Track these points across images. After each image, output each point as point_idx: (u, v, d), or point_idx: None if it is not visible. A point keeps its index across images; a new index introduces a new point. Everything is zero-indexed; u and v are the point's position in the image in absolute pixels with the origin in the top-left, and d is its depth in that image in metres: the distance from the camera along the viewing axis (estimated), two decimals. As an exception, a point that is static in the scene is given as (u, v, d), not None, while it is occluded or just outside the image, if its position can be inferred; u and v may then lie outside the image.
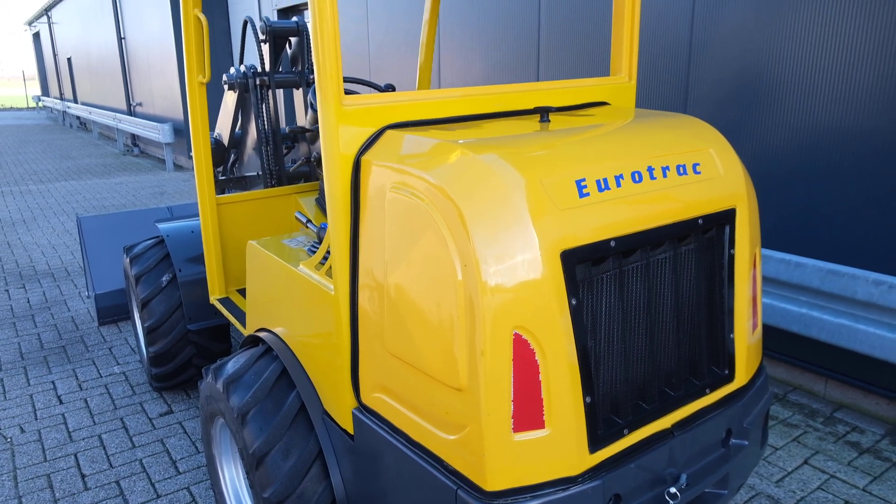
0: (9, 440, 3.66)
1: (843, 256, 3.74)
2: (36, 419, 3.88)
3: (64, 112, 25.23)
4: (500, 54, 6.03)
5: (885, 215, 3.52)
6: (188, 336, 3.79)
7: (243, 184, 4.41)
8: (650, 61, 4.61)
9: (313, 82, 4.02)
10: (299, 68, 4.18)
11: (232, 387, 2.38)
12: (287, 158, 4.31)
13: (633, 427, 1.87)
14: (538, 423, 1.66)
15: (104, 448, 3.57)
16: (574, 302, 1.68)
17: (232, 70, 4.03)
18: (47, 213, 9.47)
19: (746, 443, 2.17)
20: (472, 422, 1.65)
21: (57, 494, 3.19)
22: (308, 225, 2.72)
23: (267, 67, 4.04)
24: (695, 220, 1.97)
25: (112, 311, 5.21)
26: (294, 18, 4.09)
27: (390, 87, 3.83)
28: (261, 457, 2.21)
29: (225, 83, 4.07)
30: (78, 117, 23.75)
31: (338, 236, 2.01)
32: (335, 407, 2.18)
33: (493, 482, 1.66)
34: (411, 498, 1.92)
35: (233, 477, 2.76)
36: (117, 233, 5.33)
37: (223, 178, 4.41)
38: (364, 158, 1.96)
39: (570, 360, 1.68)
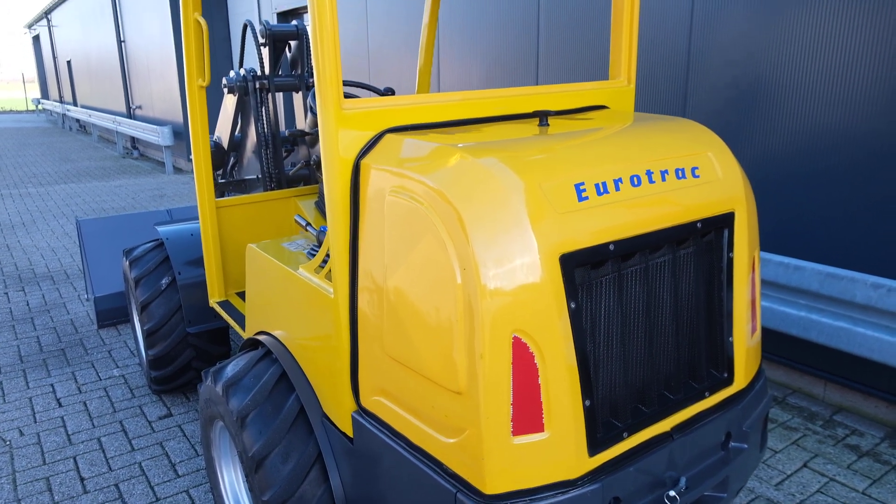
0: (8, 443, 3.66)
1: (841, 259, 3.74)
2: (35, 422, 3.88)
3: (63, 115, 25.24)
4: (499, 58, 6.04)
5: (883, 218, 3.52)
6: (187, 339, 3.79)
7: (243, 187, 4.42)
8: (649, 65, 4.62)
9: (313, 86, 4.03)
10: (299, 72, 4.18)
11: (231, 390, 2.38)
12: (287, 162, 4.31)
13: (633, 430, 1.87)
14: (537, 427, 1.66)
15: (103, 451, 3.56)
16: (573, 305, 1.68)
17: (232, 73, 4.04)
18: (47, 215, 9.47)
19: (746, 446, 2.17)
20: (472, 425, 1.66)
21: (56, 497, 3.18)
22: (307, 228, 2.72)
23: (266, 71, 4.04)
24: (693, 223, 1.98)
25: (111, 313, 5.21)
26: (294, 22, 4.10)
27: (390, 91, 3.84)
28: (260, 460, 2.21)
29: (225, 86, 4.07)
30: (77, 120, 23.76)
31: (337, 240, 2.01)
32: (334, 410, 2.18)
33: (493, 485, 1.67)
34: (411, 501, 1.92)
35: (232, 480, 2.76)
36: (117, 236, 5.33)
37: (223, 181, 4.42)
38: (363, 162, 1.96)
39: (569, 364, 1.68)
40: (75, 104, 25.47)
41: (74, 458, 3.50)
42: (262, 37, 3.96)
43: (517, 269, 1.61)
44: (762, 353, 4.17)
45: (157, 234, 4.96)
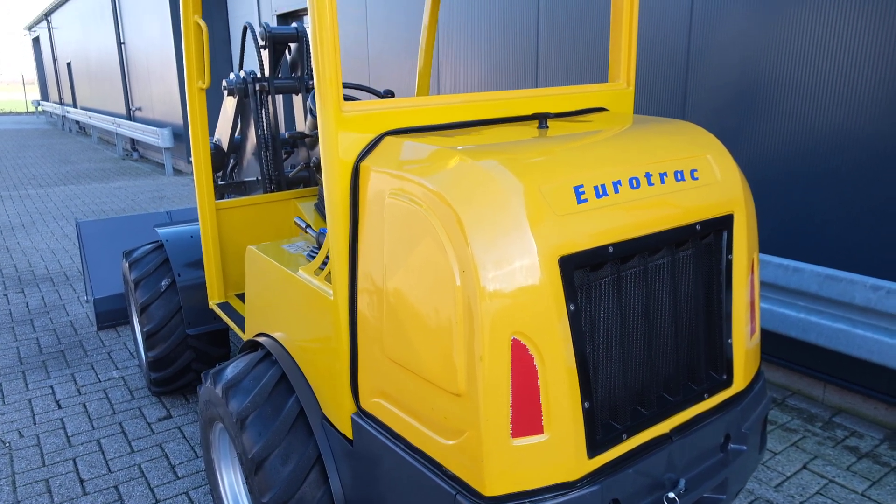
0: (7, 445, 3.66)
1: (843, 262, 3.74)
2: (34, 424, 3.88)
3: (63, 117, 25.25)
4: (498, 60, 6.05)
5: (882, 220, 3.53)
6: (187, 341, 3.80)
7: (243, 189, 4.42)
8: (648, 68, 4.63)
9: (313, 88, 4.04)
10: (299, 74, 4.19)
11: (231, 391, 2.38)
12: (286, 164, 4.31)
13: (632, 432, 1.87)
14: (537, 429, 1.67)
15: (103, 453, 3.56)
16: (572, 307, 1.69)
17: (232, 76, 4.04)
18: (46, 217, 9.47)
19: (745, 447, 2.17)
20: (471, 427, 1.66)
21: (56, 499, 3.18)
22: (307, 230, 2.72)
23: (266, 73, 4.05)
24: (692, 225, 1.98)
25: (111, 315, 5.21)
26: (293, 24, 4.11)
27: (389, 93, 3.84)
28: (260, 461, 2.22)
29: (224, 89, 4.08)
30: (77, 122, 23.77)
31: (337, 242, 2.02)
32: (334, 412, 2.18)
33: (492, 487, 1.67)
34: (410, 502, 1.92)
35: (232, 482, 2.76)
36: (116, 237, 5.33)
37: (222, 183, 4.42)
38: (363, 164, 1.97)
39: (568, 366, 1.68)
40: (75, 106, 25.48)
41: (74, 460, 3.50)
42: (262, 39, 3.96)
43: (516, 271, 1.61)
44: (761, 355, 4.17)
45: (157, 235, 4.97)
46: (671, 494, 1.93)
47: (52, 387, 4.32)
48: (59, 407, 4.06)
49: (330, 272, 2.11)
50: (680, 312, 2.03)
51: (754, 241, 2.23)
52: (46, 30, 28.62)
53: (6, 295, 6.12)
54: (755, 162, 4.06)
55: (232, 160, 4.55)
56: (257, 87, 3.92)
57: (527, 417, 1.65)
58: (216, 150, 4.36)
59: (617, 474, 1.79)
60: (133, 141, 17.27)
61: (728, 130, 4.18)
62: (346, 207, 2.00)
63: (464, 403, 1.67)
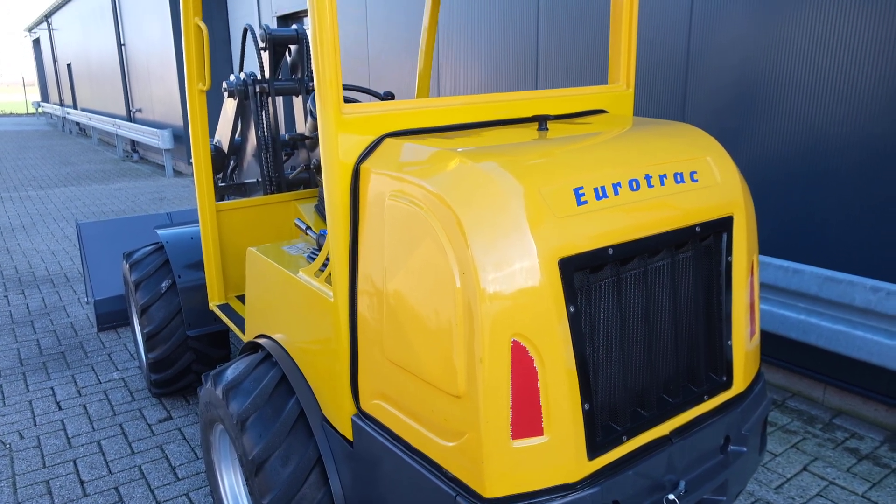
0: (8, 446, 3.66)
1: (843, 263, 3.75)
2: (35, 425, 3.88)
3: (63, 118, 25.26)
4: (498, 62, 6.05)
5: (882, 220, 3.53)
6: (187, 342, 3.80)
7: (243, 190, 4.42)
8: (648, 70, 4.63)
9: (313, 89, 4.04)
10: (299, 76, 4.19)
11: (231, 393, 2.38)
12: (286, 165, 4.32)
13: (632, 434, 1.87)
14: (537, 430, 1.67)
15: (103, 454, 3.57)
16: (572, 309, 1.69)
17: (232, 77, 4.05)
18: (46, 218, 9.47)
19: (745, 449, 2.17)
20: (471, 429, 1.66)
21: (56, 501, 3.18)
22: (307, 232, 2.73)
23: (267, 75, 4.05)
24: (692, 227, 1.98)
25: (111, 317, 5.21)
26: (294, 26, 4.11)
27: (389, 95, 3.85)
28: (260, 463, 2.22)
29: (225, 90, 4.08)
30: (77, 123, 23.78)
31: (337, 243, 2.02)
32: (334, 413, 2.19)
33: (492, 489, 1.67)
34: (410, 505, 1.92)
35: (232, 483, 2.76)
36: (117, 239, 5.34)
37: (223, 184, 4.42)
38: (363, 166, 1.97)
39: (568, 368, 1.68)
40: (75, 107, 25.50)
41: (74, 462, 3.50)
42: (263, 41, 3.97)
43: (516, 273, 1.61)
44: (761, 357, 4.18)
45: (157, 237, 4.98)
46: (671, 496, 1.93)
47: (52, 388, 4.32)
48: (60, 408, 4.06)
49: (330, 274, 2.12)
50: (680, 314, 2.03)
51: (754, 243, 2.23)
52: (47, 31, 28.64)
53: (6, 296, 6.13)
54: (755, 163, 4.06)
55: (232, 162, 4.55)
56: (257, 89, 3.93)
57: (527, 419, 1.65)
58: (216, 151, 4.37)
59: (617, 476, 1.80)
60: (133, 142, 17.28)
61: (727, 132, 4.18)
62: (346, 209, 2.00)
63: (464, 405, 1.67)
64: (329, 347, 2.14)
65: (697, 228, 2.00)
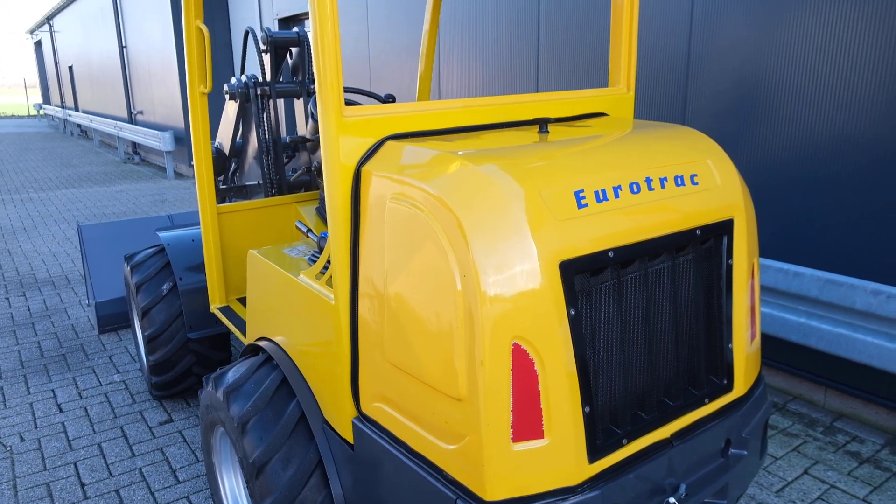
0: (8, 449, 3.66)
1: (844, 267, 3.75)
2: (36, 428, 3.88)
3: (65, 120, 25.29)
4: (499, 65, 6.06)
5: (882, 225, 3.53)
6: (188, 345, 3.80)
7: (244, 193, 4.43)
8: (649, 72, 4.64)
9: (314, 92, 4.05)
10: (300, 78, 4.20)
11: (232, 396, 2.38)
12: (288, 168, 4.32)
13: (632, 437, 1.87)
14: (537, 433, 1.67)
15: (104, 457, 3.57)
16: (573, 312, 1.69)
17: (233, 80, 4.06)
18: (48, 220, 9.48)
19: (745, 453, 2.17)
20: (472, 431, 1.66)
21: (56, 503, 3.18)
22: (308, 234, 2.73)
23: (268, 77, 4.06)
24: (692, 230, 1.99)
25: (112, 319, 5.21)
26: (295, 29, 4.12)
27: (390, 98, 3.85)
28: (261, 466, 2.22)
29: (226, 93, 4.09)
30: (79, 125, 23.81)
31: (338, 246, 2.02)
32: (335, 416, 2.19)
33: (493, 492, 1.67)
34: (411, 507, 1.92)
35: (233, 486, 2.76)
36: (118, 241, 5.34)
37: (224, 187, 4.43)
38: (364, 169, 1.97)
39: (569, 370, 1.68)
40: (77, 109, 25.53)
41: (75, 464, 3.50)
42: (264, 43, 3.98)
43: (517, 275, 1.61)
44: (762, 360, 4.17)
45: (159, 239, 4.98)
46: (672, 499, 1.93)
47: (53, 390, 4.32)
48: (61, 411, 4.06)
49: (331, 276, 2.12)
50: (680, 317, 2.04)
51: (754, 246, 2.23)
52: (48, 33, 28.69)
53: (8, 298, 6.13)
54: (755, 166, 4.07)
55: (233, 164, 4.56)
56: (259, 92, 3.93)
57: (527, 422, 1.65)
58: (218, 154, 4.38)
59: (617, 479, 1.79)
60: (134, 144, 17.30)
61: (728, 135, 4.18)
62: (347, 212, 2.00)
63: (464, 408, 1.67)
64: (330, 350, 2.14)
65: (698, 231, 2.00)
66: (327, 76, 1.88)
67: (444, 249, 1.66)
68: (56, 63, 29.07)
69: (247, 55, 8.19)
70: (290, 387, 2.38)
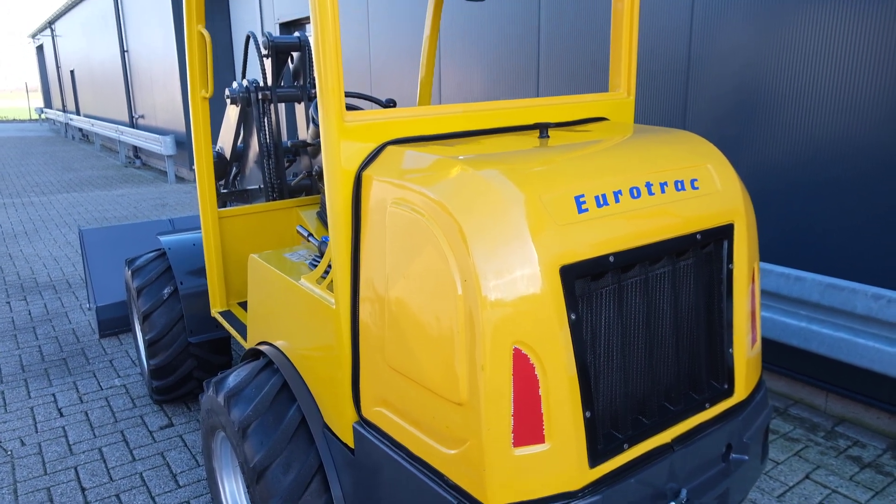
0: (9, 453, 3.66)
1: (842, 270, 3.75)
2: (36, 432, 3.88)
3: (66, 124, 25.34)
4: (500, 69, 6.07)
5: (884, 229, 3.53)
6: (189, 349, 3.80)
7: (245, 197, 4.43)
8: (649, 77, 4.64)
9: (315, 96, 4.05)
10: (301, 83, 4.21)
11: (233, 400, 2.39)
12: (289, 172, 4.33)
13: (633, 442, 1.87)
14: (538, 438, 1.67)
15: (104, 461, 3.56)
16: (573, 317, 1.69)
17: (234, 84, 4.07)
18: (49, 224, 9.49)
19: (747, 457, 2.17)
20: (473, 436, 1.66)
21: (57, 508, 3.19)
22: (309, 238, 2.73)
23: (269, 82, 4.07)
24: (693, 235, 1.99)
25: (113, 323, 5.21)
26: (296, 33, 4.13)
27: (391, 102, 3.86)
28: (261, 470, 2.22)
29: (227, 97, 4.10)
30: (80, 129, 23.85)
31: (339, 250, 2.02)
32: (336, 421, 2.19)
33: (494, 497, 1.67)
34: (411, 512, 1.92)
35: (233, 490, 2.76)
36: (119, 245, 5.35)
37: (225, 191, 4.44)
38: (365, 174, 1.98)
39: (569, 375, 1.68)
40: (78, 113, 25.59)
41: (75, 469, 3.50)
42: (265, 48, 3.99)
43: (518, 280, 1.62)
44: (763, 364, 4.17)
45: (160, 243, 4.99)
46: (673, 504, 1.93)
47: (54, 395, 4.32)
48: (61, 415, 4.06)
49: (332, 281, 2.12)
50: (681, 322, 2.04)
51: (755, 251, 2.23)
52: (50, 38, 28.77)
53: (9, 302, 6.13)
54: (756, 170, 4.07)
55: (234, 168, 4.57)
56: (260, 96, 3.94)
57: (528, 427, 1.65)
58: (219, 158, 4.38)
59: (618, 484, 1.79)
60: (136, 148, 17.33)
61: (728, 139, 4.19)
62: (348, 216, 2.01)
63: (465, 412, 1.67)
64: (331, 354, 2.14)
65: (698, 236, 2.00)
66: (328, 81, 1.88)
67: (444, 254, 1.66)
68: (58, 67, 29.14)
69: (248, 60, 8.22)
70: (290, 391, 2.38)
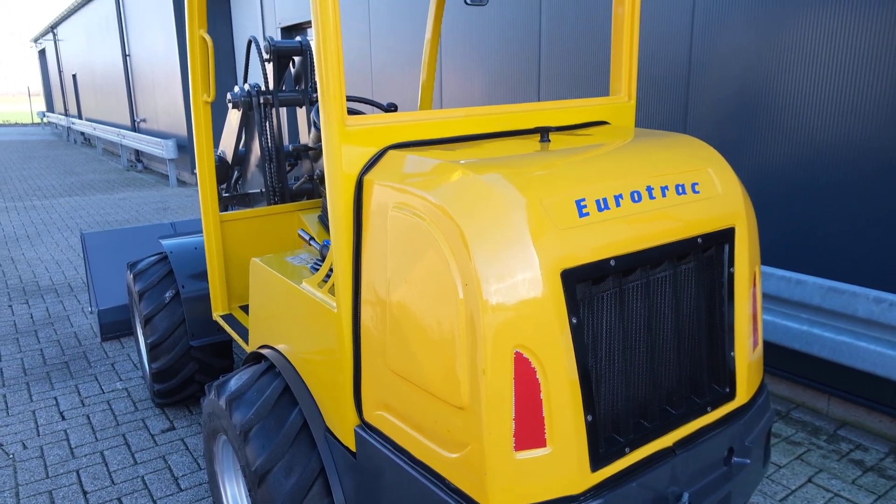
0: (11, 456, 3.66)
1: (843, 273, 3.74)
2: (38, 435, 3.88)
3: (68, 128, 25.39)
4: (501, 74, 6.08)
5: (886, 232, 3.53)
6: (191, 352, 3.80)
7: (247, 201, 4.44)
8: (650, 81, 4.65)
9: (316, 101, 4.06)
10: (303, 87, 4.22)
11: (234, 404, 2.39)
12: (290, 176, 4.34)
13: (635, 445, 1.87)
14: (540, 442, 1.67)
15: (106, 464, 3.56)
16: (575, 321, 1.69)
17: (236, 88, 4.08)
18: (51, 228, 9.51)
19: (748, 461, 2.17)
20: (474, 440, 1.66)
21: (58, 511, 3.19)
22: (311, 242, 2.74)
23: (271, 86, 4.08)
24: (694, 238, 1.99)
25: (115, 326, 5.22)
26: (297, 38, 4.14)
27: (393, 107, 3.87)
28: (263, 474, 2.22)
29: (229, 101, 4.11)
30: (82, 133, 23.90)
31: (340, 254, 2.03)
32: (337, 424, 2.19)
33: (495, 500, 1.67)
34: (413, 516, 1.92)
35: (235, 494, 2.76)
36: (121, 249, 5.36)
37: (227, 195, 4.44)
38: (367, 178, 1.98)
39: (571, 379, 1.69)
40: (80, 117, 25.64)
41: (77, 472, 3.50)
42: (267, 52, 4.00)
43: (519, 284, 1.62)
44: (765, 368, 4.16)
45: (161, 247, 4.99)
46: (674, 508, 1.93)
47: (55, 398, 4.32)
48: (63, 418, 4.07)
49: (333, 284, 2.12)
50: (682, 325, 2.04)
51: (756, 254, 2.23)
52: (52, 42, 28.85)
53: (11, 306, 6.14)
54: (757, 174, 4.07)
55: (236, 172, 4.58)
56: (261, 100, 3.95)
57: (530, 431, 1.66)
58: (220, 162, 4.39)
59: (620, 488, 1.79)
60: (137, 152, 17.35)
61: (729, 143, 4.19)
62: (349, 220, 2.01)
63: (467, 416, 1.67)
64: (332, 358, 2.15)
65: (699, 240, 2.00)
66: (330, 85, 1.89)
67: (445, 258, 1.66)
68: (60, 71, 29.21)
69: (250, 64, 8.24)
70: (292, 395, 2.39)
